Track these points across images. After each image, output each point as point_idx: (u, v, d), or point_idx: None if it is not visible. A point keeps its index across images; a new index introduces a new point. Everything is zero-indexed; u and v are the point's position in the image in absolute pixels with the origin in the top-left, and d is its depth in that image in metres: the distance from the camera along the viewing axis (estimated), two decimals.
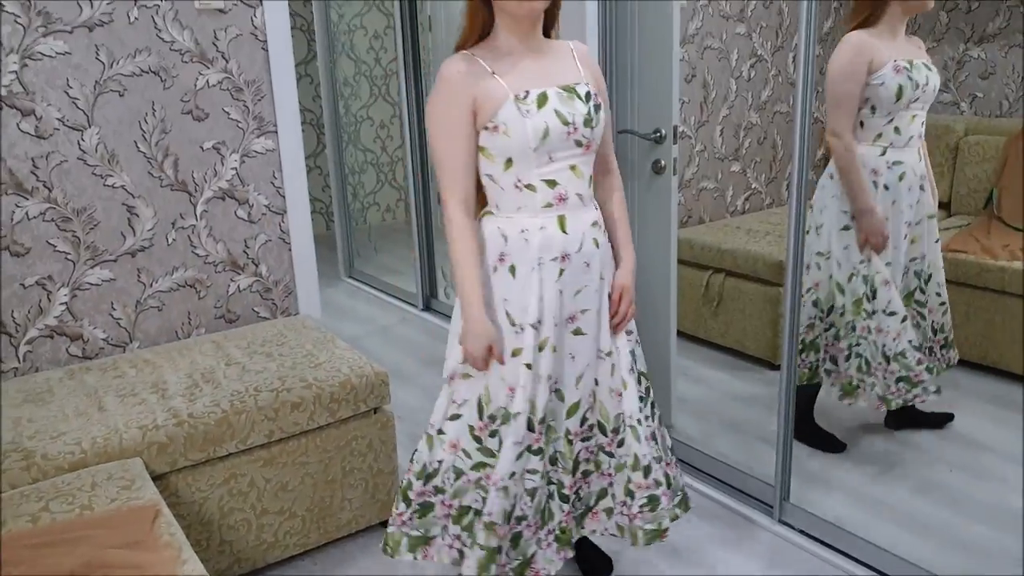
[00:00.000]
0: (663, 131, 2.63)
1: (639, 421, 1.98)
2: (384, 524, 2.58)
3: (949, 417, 2.94)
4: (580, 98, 1.83)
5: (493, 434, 1.93)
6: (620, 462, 2.02)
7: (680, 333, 2.90)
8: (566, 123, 1.79)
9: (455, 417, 1.97)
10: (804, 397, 2.84)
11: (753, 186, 4.13)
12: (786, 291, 2.40)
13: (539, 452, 1.94)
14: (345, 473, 2.42)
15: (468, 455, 1.96)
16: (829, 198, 2.62)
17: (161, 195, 2.70)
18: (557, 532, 2.03)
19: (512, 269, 1.87)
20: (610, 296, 1.99)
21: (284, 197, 2.95)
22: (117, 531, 1.69)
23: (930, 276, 2.69)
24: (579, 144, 1.84)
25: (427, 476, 2.00)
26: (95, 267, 2.62)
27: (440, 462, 1.98)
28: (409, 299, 4.85)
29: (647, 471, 2.00)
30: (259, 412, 2.22)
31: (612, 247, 2.03)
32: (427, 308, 4.74)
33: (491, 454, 1.94)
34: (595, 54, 2.74)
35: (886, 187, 2.55)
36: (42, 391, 2.33)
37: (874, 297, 2.59)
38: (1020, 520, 2.43)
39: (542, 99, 1.79)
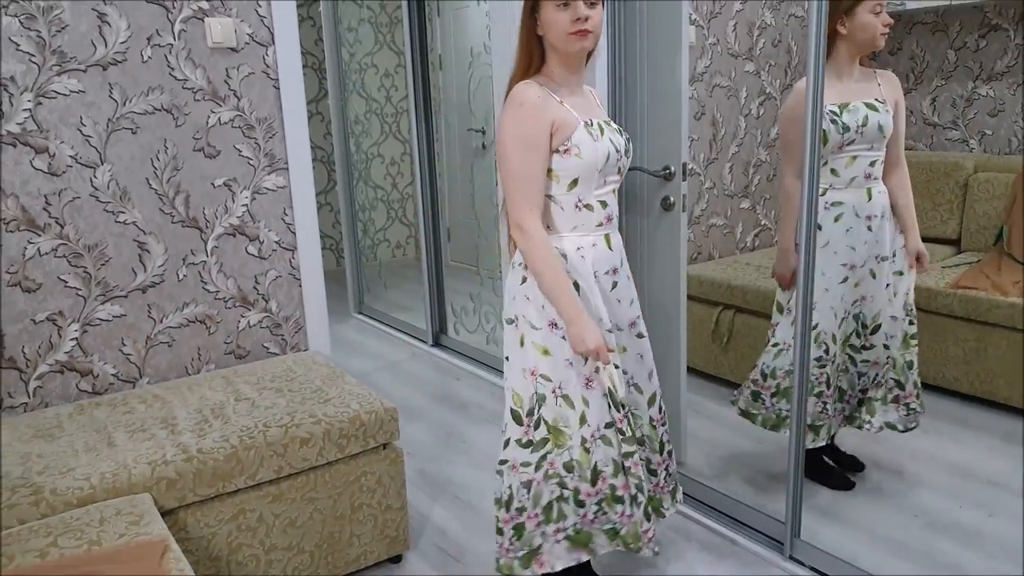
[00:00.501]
0: (672, 168, 2.64)
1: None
2: (392, 560, 2.56)
3: (858, 467, 2.91)
4: (616, 131, 2.06)
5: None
6: None
7: (690, 369, 2.90)
8: (618, 150, 2.02)
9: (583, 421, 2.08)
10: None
11: (763, 223, 4.13)
12: (796, 327, 2.39)
13: (621, 432, 2.07)
14: (354, 509, 2.41)
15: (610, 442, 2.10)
16: None
17: (172, 231, 2.72)
18: (645, 501, 2.17)
19: (576, 284, 2.01)
20: None
21: (295, 233, 2.97)
22: (125, 567, 1.68)
23: (878, 327, 2.63)
24: (619, 171, 2.06)
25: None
26: (106, 303, 2.64)
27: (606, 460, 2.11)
28: (419, 335, 4.85)
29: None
30: (268, 448, 2.22)
31: None
32: (436, 344, 4.74)
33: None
34: (605, 92, 2.77)
35: (819, 227, 2.55)
36: (51, 426, 2.33)
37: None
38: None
39: (600, 128, 1.99)
